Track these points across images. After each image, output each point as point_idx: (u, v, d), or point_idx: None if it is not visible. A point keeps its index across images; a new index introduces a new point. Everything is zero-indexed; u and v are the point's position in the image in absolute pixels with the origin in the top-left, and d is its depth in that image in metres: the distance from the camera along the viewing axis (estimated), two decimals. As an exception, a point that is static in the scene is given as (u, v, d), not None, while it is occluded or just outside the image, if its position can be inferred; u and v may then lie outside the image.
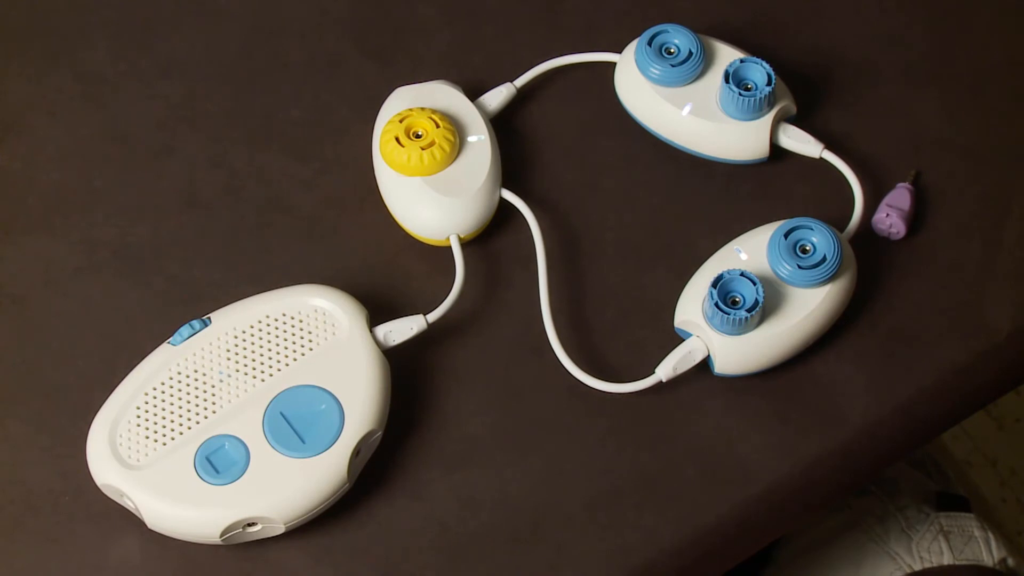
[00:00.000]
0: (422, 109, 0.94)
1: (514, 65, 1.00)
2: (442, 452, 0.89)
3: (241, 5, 1.03)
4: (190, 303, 0.92)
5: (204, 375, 0.86)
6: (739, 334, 0.89)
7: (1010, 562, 1.11)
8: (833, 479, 0.91)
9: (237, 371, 0.87)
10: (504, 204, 0.95)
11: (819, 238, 0.90)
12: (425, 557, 0.87)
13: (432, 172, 0.93)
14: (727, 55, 0.97)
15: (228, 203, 0.96)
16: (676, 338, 0.91)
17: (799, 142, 0.96)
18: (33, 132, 0.98)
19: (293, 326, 0.88)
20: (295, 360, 0.87)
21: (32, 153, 0.98)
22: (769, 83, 0.94)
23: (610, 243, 0.95)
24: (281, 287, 0.90)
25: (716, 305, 0.88)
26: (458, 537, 0.87)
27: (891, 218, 0.94)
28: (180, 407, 0.85)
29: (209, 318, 0.88)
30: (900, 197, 0.95)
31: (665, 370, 0.89)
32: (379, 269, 0.94)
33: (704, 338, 0.90)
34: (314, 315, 0.88)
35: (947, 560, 1.10)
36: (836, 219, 0.94)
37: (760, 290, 0.88)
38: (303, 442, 0.85)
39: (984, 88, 1.01)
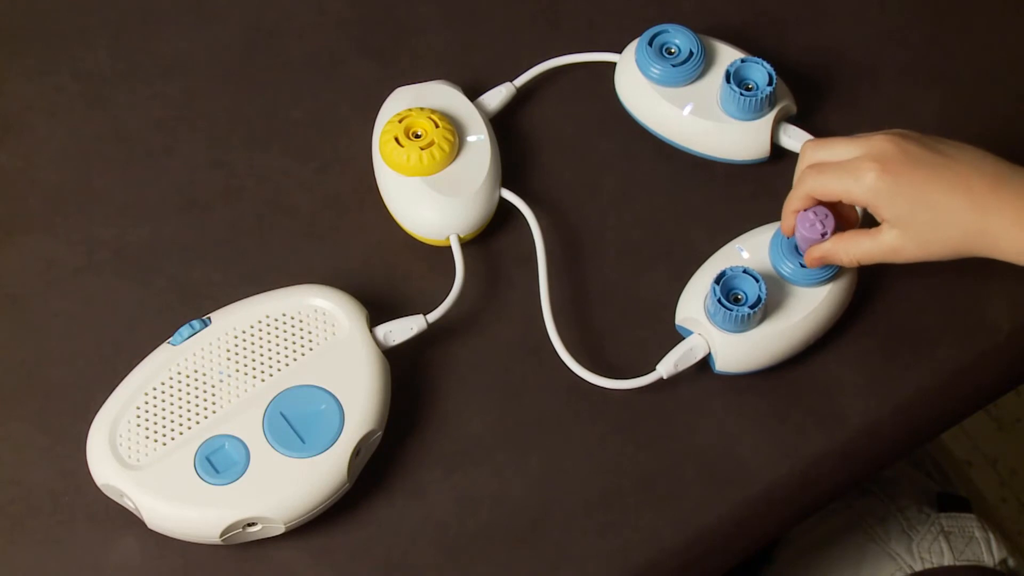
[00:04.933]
0: (422, 109, 0.94)
1: (514, 65, 0.99)
2: (442, 452, 0.89)
3: (241, 5, 1.03)
4: (190, 303, 0.92)
5: (204, 375, 0.86)
6: (741, 331, 0.88)
7: (1011, 563, 1.11)
8: (832, 479, 0.90)
9: (237, 371, 0.86)
10: (504, 204, 0.95)
11: (819, 238, 0.90)
12: (425, 557, 0.86)
13: (432, 172, 0.93)
14: (728, 55, 0.97)
15: (228, 203, 0.96)
16: (676, 337, 0.91)
17: (800, 142, 0.96)
18: (33, 132, 0.98)
19: (293, 326, 0.88)
20: (295, 360, 0.87)
21: (32, 153, 0.98)
22: (770, 83, 0.94)
23: (610, 243, 0.95)
24: (281, 287, 0.90)
25: (719, 301, 0.88)
26: (458, 537, 0.87)
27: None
28: (180, 407, 0.85)
29: (209, 318, 0.88)
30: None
31: (666, 366, 0.89)
32: (379, 269, 0.94)
33: (705, 335, 0.89)
34: (314, 315, 0.88)
35: (948, 561, 1.10)
36: (836, 219, 0.94)
37: (763, 287, 0.88)
38: (303, 442, 0.85)
39: (984, 88, 1.01)
